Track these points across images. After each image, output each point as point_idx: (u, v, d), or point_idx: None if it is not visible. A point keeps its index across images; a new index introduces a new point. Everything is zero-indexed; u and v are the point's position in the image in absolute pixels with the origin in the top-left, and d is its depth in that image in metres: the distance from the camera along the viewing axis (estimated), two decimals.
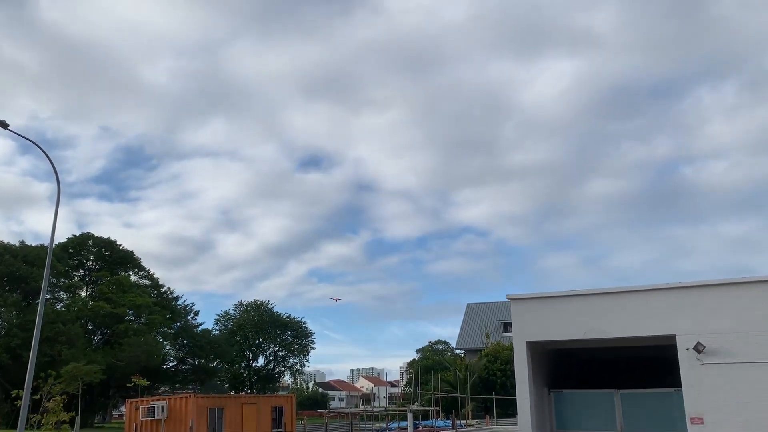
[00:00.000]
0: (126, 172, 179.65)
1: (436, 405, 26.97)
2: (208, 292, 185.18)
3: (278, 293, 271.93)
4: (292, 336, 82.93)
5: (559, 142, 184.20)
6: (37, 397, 25.71)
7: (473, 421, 27.73)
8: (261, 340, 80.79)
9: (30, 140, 21.49)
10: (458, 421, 19.32)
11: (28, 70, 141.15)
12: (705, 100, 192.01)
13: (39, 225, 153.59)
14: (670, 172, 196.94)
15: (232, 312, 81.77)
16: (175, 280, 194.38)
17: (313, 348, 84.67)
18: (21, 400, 19.08)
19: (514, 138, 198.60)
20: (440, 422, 23.89)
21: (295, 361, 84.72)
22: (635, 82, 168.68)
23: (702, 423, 15.96)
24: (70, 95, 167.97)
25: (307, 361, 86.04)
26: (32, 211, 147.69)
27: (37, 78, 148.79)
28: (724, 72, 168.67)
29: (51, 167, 20.72)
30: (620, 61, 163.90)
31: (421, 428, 19.33)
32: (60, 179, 20.68)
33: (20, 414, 18.63)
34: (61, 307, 60.18)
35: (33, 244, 60.45)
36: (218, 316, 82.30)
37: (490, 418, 24.77)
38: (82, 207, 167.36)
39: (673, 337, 16.81)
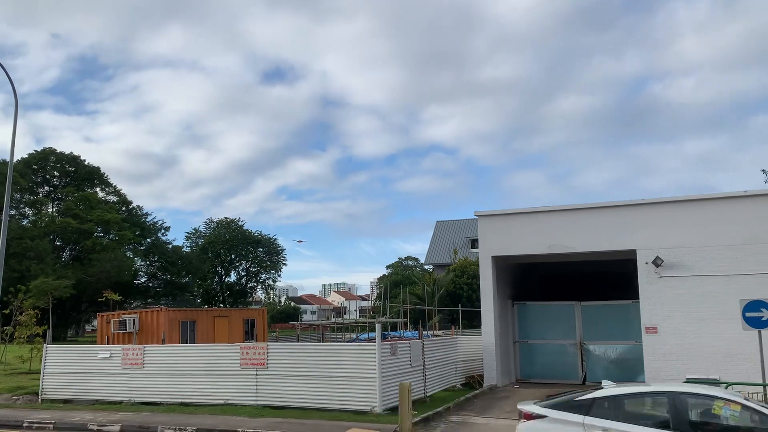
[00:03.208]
0: (81, 83, 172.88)
1: (405, 317, 27.89)
2: (174, 209, 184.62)
3: (247, 210, 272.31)
4: (264, 253, 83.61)
5: (531, 56, 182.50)
6: (7, 311, 25.76)
7: (440, 332, 28.68)
8: (233, 256, 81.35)
9: None
10: (425, 332, 19.94)
11: None
12: (678, 14, 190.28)
13: None
14: (639, 89, 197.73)
15: (202, 229, 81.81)
16: (140, 197, 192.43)
17: (284, 264, 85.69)
18: None
19: (485, 51, 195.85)
20: (408, 333, 24.70)
21: (267, 276, 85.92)
22: None
23: (656, 332, 16.77)
24: None
25: (279, 276, 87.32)
26: None
27: None
28: None
29: (1, 77, 19.82)
30: None
31: (389, 338, 19.95)
32: (13, 88, 19.84)
33: None
34: (27, 223, 59.43)
35: None
36: (188, 233, 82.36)
37: (455, 328, 25.79)
38: (39, 120, 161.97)
39: (633, 252, 17.36)
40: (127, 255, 61.98)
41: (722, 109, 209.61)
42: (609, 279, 21.71)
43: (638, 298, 17.31)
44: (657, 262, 16.75)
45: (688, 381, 13.04)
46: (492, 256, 19.49)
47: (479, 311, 19.78)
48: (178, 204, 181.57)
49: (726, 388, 11.06)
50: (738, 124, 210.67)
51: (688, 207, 17.00)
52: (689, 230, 16.73)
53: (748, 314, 12.76)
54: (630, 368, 18.89)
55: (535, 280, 23.95)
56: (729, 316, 15.71)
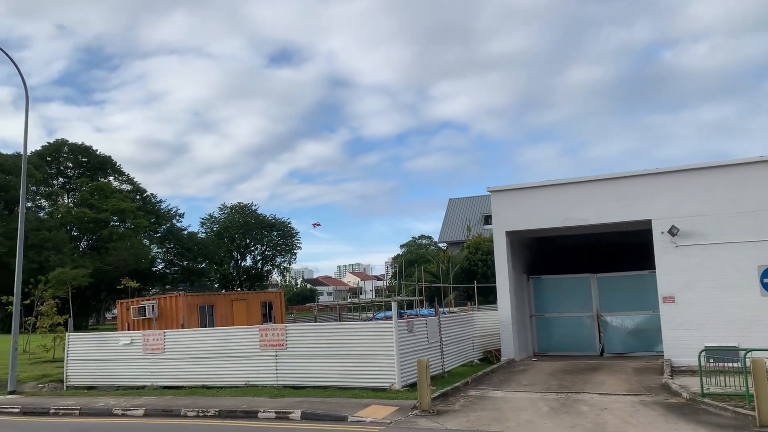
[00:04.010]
0: (88, 74, 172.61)
1: (420, 295, 28.00)
2: (188, 196, 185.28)
3: (259, 195, 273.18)
4: (279, 236, 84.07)
5: (539, 28, 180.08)
6: (28, 302, 26.15)
7: (456, 309, 28.79)
8: (248, 241, 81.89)
9: None
10: (441, 309, 20.02)
11: None
12: None
13: (5, 131, 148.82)
14: (650, 57, 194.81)
15: (216, 215, 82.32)
16: (153, 185, 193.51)
17: (299, 247, 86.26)
18: (12, 306, 19.42)
19: (493, 25, 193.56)
20: (424, 311, 24.82)
21: (282, 259, 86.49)
22: None
23: (674, 301, 16.69)
24: None
25: (294, 259, 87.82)
26: None
27: None
28: None
29: (9, 70, 19.98)
30: None
31: (405, 316, 20.06)
32: (23, 82, 19.93)
33: (13, 319, 19.02)
34: (44, 214, 60.10)
35: (6, 152, 59.54)
36: (203, 219, 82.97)
37: (471, 304, 25.85)
38: (49, 111, 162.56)
39: (648, 222, 17.23)
40: (144, 243, 62.56)
41: (736, 75, 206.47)
42: (625, 250, 21.60)
43: (654, 268, 17.22)
44: (673, 231, 16.62)
45: (707, 349, 13.03)
46: (506, 232, 19.43)
47: (494, 287, 19.79)
48: (191, 191, 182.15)
49: (745, 355, 11.03)
50: (752, 89, 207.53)
51: (702, 175, 16.80)
52: (704, 198, 16.56)
53: (766, 280, 12.68)
54: (648, 338, 18.88)
55: (550, 253, 23.88)
56: (747, 283, 15.60)
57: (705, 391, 11.67)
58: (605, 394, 12.72)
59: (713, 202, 16.44)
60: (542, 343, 20.77)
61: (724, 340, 15.24)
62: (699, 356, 12.16)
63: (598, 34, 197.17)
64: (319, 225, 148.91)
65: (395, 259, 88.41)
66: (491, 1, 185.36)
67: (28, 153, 22.31)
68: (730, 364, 12.17)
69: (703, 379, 11.84)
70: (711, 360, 12.60)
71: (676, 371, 15.18)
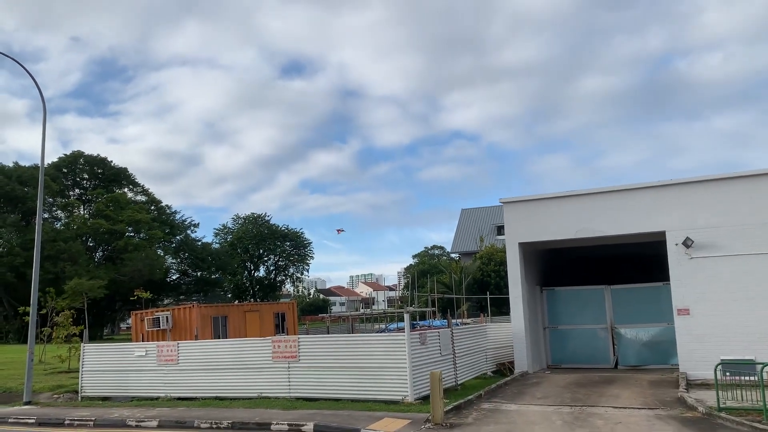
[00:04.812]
0: (102, 85, 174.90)
1: (433, 306, 27.94)
2: (201, 206, 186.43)
3: (271, 205, 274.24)
4: (291, 246, 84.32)
5: (551, 38, 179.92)
6: (43, 312, 26.39)
7: (468, 320, 28.68)
8: (261, 251, 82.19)
9: (11, 57, 20.79)
10: (454, 320, 19.97)
11: None
12: None
13: (20, 143, 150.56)
14: (663, 67, 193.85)
15: (230, 225, 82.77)
16: (166, 195, 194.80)
17: (312, 257, 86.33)
18: (29, 316, 19.62)
19: (503, 34, 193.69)
20: (436, 322, 24.75)
21: (295, 270, 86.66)
22: None
23: (688, 314, 16.54)
24: (33, 2, 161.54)
25: (307, 269, 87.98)
26: (12, 129, 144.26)
27: None
28: None
29: (25, 83, 20.28)
30: None
31: (418, 327, 20.03)
32: (40, 95, 20.23)
33: (29, 329, 19.21)
34: (60, 225, 60.75)
35: (23, 164, 60.33)
36: (217, 229, 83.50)
37: (484, 316, 25.76)
38: (64, 123, 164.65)
39: (662, 233, 17.12)
40: (158, 253, 62.99)
41: (750, 84, 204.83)
42: (639, 261, 21.46)
43: (669, 280, 17.08)
44: (687, 243, 16.50)
45: (723, 362, 12.88)
46: (519, 243, 19.38)
47: (508, 298, 19.72)
48: (204, 201, 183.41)
49: (762, 368, 10.90)
50: (766, 98, 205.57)
51: (717, 186, 16.68)
52: (719, 210, 16.43)
53: None
54: (662, 351, 18.71)
55: (564, 265, 23.77)
56: (763, 295, 15.46)
57: (721, 405, 11.53)
58: (620, 407, 12.61)
59: (728, 213, 16.32)
60: (556, 355, 20.64)
61: (740, 353, 15.06)
62: (715, 369, 12.03)
63: (610, 43, 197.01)
64: (343, 231, 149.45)
65: (407, 269, 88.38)
66: (502, 10, 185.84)
67: (45, 165, 22.59)
68: (747, 378, 12.02)
69: (719, 392, 11.71)
70: (727, 373, 12.46)
71: (692, 385, 15.02)
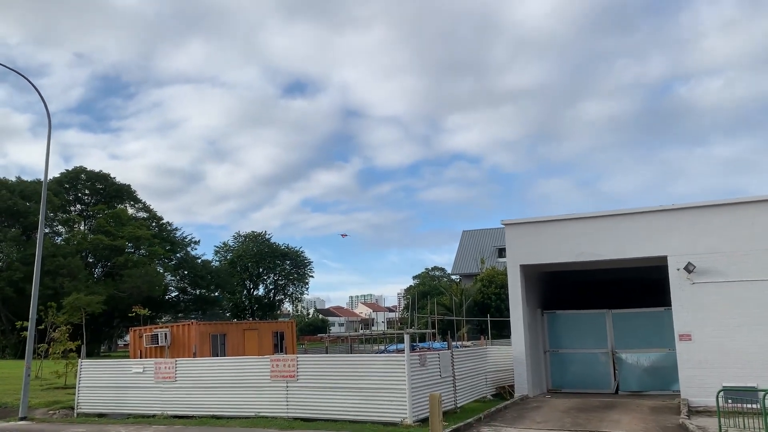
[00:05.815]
0: (105, 101, 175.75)
1: (433, 328, 27.84)
2: (202, 224, 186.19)
3: (272, 223, 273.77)
4: (291, 265, 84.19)
5: (552, 62, 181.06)
6: (41, 327, 26.29)
7: (468, 342, 28.52)
8: (261, 270, 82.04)
9: (16, 71, 20.99)
10: (454, 343, 19.85)
11: None
12: (702, 13, 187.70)
13: (22, 157, 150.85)
14: (664, 92, 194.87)
15: (231, 243, 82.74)
16: (167, 212, 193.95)
17: (311, 276, 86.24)
18: (26, 331, 19.53)
19: (505, 58, 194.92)
20: (436, 344, 24.59)
21: (294, 289, 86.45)
22: None
23: (690, 339, 16.44)
24: (38, 17, 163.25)
25: (307, 289, 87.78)
26: (14, 143, 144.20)
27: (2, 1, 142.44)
28: None
29: (28, 97, 20.42)
30: None
31: (418, 349, 19.90)
32: (42, 109, 20.36)
33: (27, 344, 19.11)
34: (61, 240, 60.72)
35: (25, 179, 60.53)
36: (217, 247, 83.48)
37: (484, 338, 25.59)
38: (66, 138, 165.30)
39: (664, 258, 17.08)
40: (158, 270, 62.90)
41: (751, 110, 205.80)
42: (640, 286, 21.37)
43: (671, 305, 17.01)
44: (689, 268, 16.46)
45: (725, 389, 12.78)
46: (520, 265, 19.33)
47: (508, 321, 19.61)
48: (205, 219, 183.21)
49: (764, 396, 10.81)
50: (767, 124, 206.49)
51: (719, 211, 16.68)
52: (721, 235, 16.42)
53: None
54: (664, 377, 18.57)
55: (565, 288, 23.68)
56: (765, 322, 15.37)
57: None
58: None
59: (730, 239, 16.30)
60: (556, 379, 20.48)
61: (742, 380, 14.95)
62: (717, 396, 11.93)
63: (611, 68, 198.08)
64: (346, 235, 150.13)
65: (408, 290, 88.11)
66: (504, 34, 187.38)
67: (48, 179, 22.65)
68: (749, 405, 11.92)
69: (721, 420, 11.60)
70: (729, 400, 12.36)
71: (693, 411, 14.88)
